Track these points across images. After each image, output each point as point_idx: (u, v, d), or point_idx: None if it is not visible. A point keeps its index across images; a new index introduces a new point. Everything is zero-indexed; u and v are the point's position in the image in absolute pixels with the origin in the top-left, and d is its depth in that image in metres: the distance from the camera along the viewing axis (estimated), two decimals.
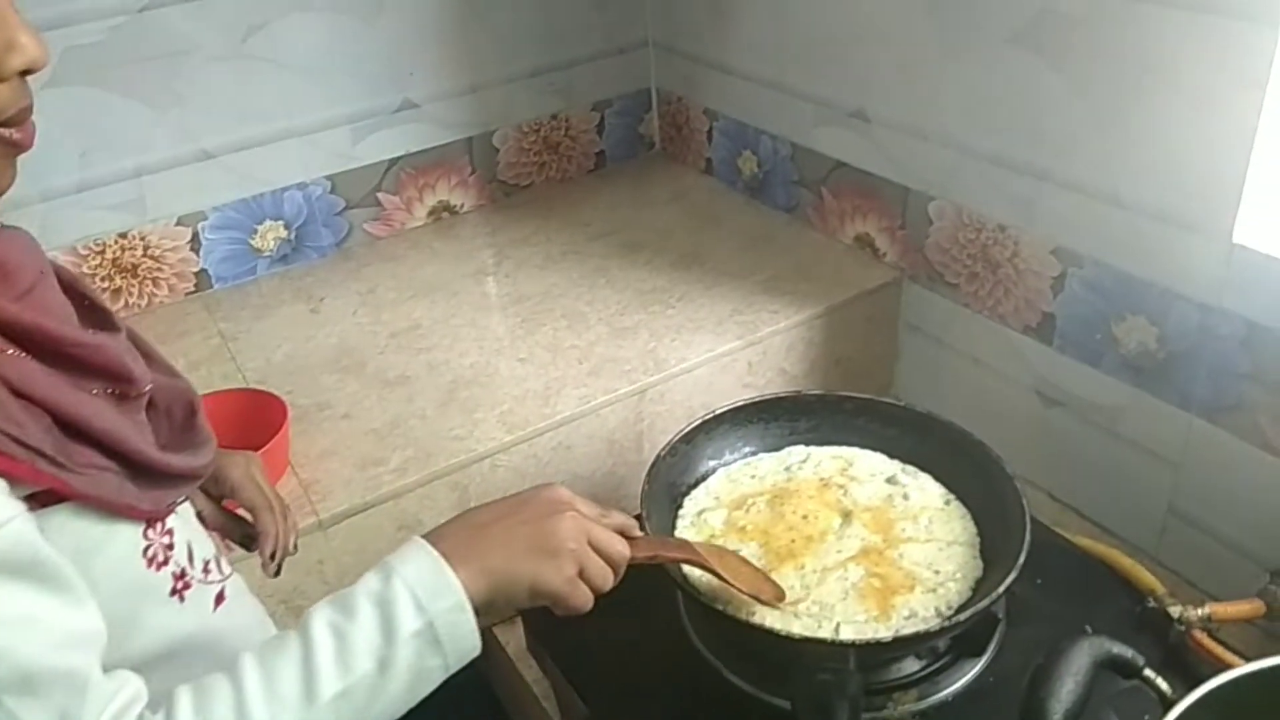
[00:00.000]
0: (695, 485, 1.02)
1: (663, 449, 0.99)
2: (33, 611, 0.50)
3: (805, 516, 0.97)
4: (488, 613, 0.63)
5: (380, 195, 1.56)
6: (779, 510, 0.98)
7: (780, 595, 0.86)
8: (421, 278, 1.46)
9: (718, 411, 1.04)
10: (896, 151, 1.28)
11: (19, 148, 0.55)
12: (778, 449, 1.06)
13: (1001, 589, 0.81)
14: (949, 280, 1.27)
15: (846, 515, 0.97)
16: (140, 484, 0.60)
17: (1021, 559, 0.83)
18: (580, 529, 0.67)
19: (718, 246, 1.47)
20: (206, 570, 0.69)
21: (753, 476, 1.03)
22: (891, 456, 1.04)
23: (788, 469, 1.03)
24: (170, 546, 0.64)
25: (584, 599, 0.67)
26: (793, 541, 0.94)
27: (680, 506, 0.99)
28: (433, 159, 1.58)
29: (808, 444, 1.06)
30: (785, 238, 1.49)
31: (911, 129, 1.24)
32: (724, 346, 1.24)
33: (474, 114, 1.59)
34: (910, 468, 1.02)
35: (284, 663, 0.57)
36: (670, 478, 0.99)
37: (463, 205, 1.64)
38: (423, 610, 0.60)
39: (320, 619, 0.59)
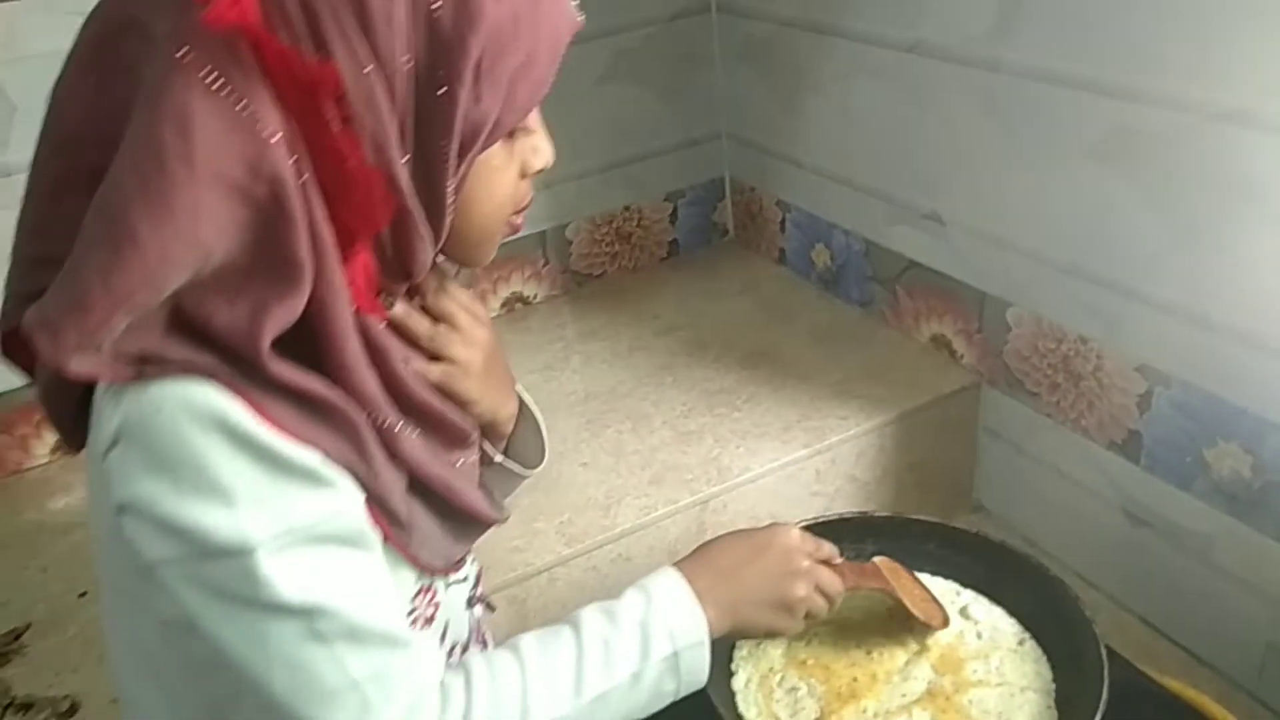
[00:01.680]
0: None
1: None
2: (364, 578, 0.58)
3: (870, 652, 0.93)
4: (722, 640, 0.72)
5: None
6: (842, 644, 0.94)
7: (945, 620, 0.91)
8: None
9: None
10: (972, 256, 1.25)
11: (515, 231, 0.67)
12: None
13: None
14: (1030, 389, 1.22)
15: (915, 653, 0.93)
16: (449, 538, 0.67)
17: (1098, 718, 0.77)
18: (811, 579, 0.77)
19: (788, 343, 1.45)
20: (450, 654, 0.73)
21: None
22: (964, 585, 0.99)
23: (853, 595, 1.00)
24: (430, 619, 0.69)
25: (801, 628, 0.79)
26: (855, 680, 0.90)
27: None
28: (507, 253, 1.60)
29: None
30: (859, 335, 1.46)
31: (986, 235, 1.21)
32: (790, 455, 1.22)
33: (547, 209, 1.61)
34: (983, 600, 0.97)
35: (562, 656, 0.65)
36: None
37: (536, 295, 1.66)
38: (674, 640, 0.67)
39: (592, 626, 0.67)
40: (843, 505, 1.27)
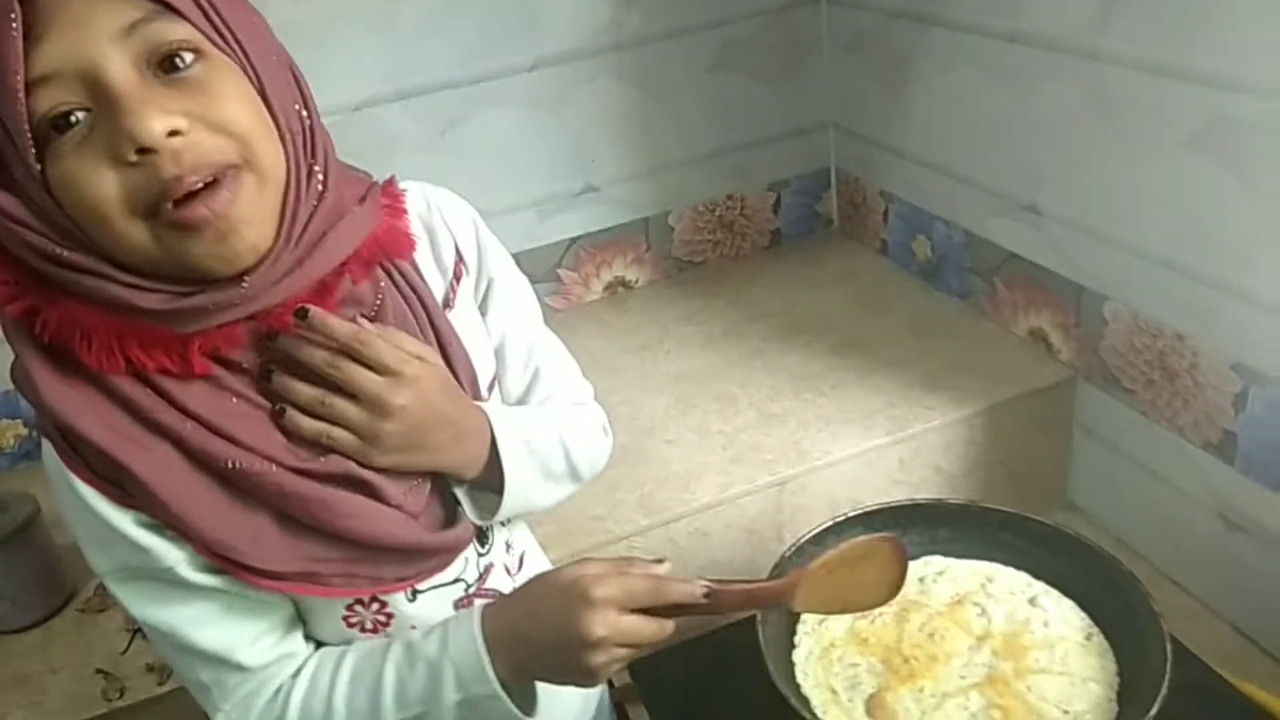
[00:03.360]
0: None
1: (788, 549, 0.98)
2: (192, 613, 0.65)
3: (933, 634, 0.94)
4: None
5: (560, 271, 1.66)
6: (905, 624, 0.96)
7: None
8: (589, 351, 1.51)
9: (850, 514, 1.02)
10: (1070, 248, 1.23)
11: (189, 224, 0.55)
12: (914, 558, 1.02)
13: None
14: (1126, 385, 1.20)
15: (978, 638, 0.93)
16: (378, 562, 0.66)
17: (1154, 710, 0.77)
18: (606, 645, 0.65)
19: (882, 333, 1.45)
20: None
21: None
22: (1036, 577, 0.99)
23: (921, 580, 1.01)
24: (385, 624, 0.71)
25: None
26: (915, 660, 0.92)
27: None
28: (611, 238, 1.66)
29: (946, 555, 1.03)
30: (956, 327, 1.45)
31: (1085, 227, 1.19)
32: (871, 443, 1.23)
33: (652, 195, 1.66)
34: (1054, 592, 0.97)
35: (362, 688, 0.68)
36: None
37: (637, 280, 1.71)
38: (463, 688, 0.66)
39: (392, 660, 0.68)
40: (927, 495, 1.26)
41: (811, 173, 1.75)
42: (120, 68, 0.53)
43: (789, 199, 1.75)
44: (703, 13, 1.57)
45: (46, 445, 0.62)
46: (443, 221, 0.73)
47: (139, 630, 1.10)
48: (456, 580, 0.73)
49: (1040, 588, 0.98)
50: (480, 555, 0.75)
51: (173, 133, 0.53)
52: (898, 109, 1.51)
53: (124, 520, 0.61)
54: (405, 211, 0.69)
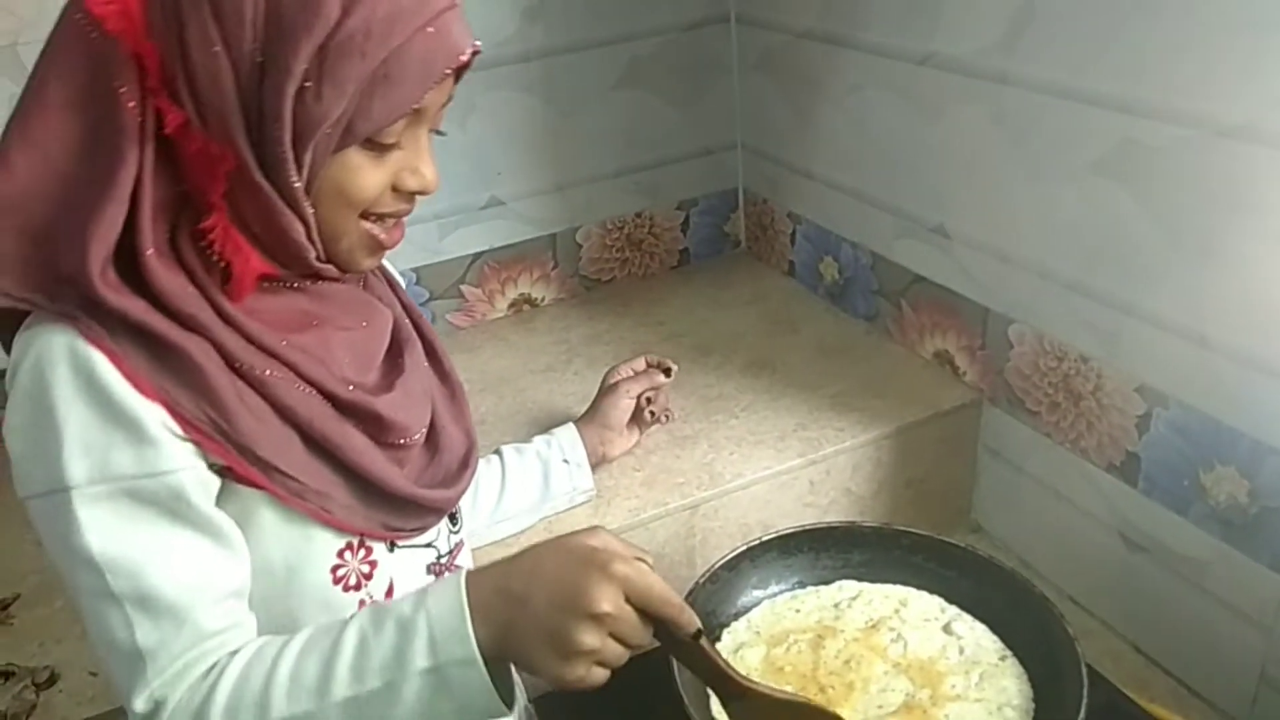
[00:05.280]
0: (737, 616, 0.98)
1: (702, 575, 0.95)
2: (170, 547, 0.61)
3: (849, 661, 0.92)
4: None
5: (463, 287, 1.60)
6: (820, 652, 0.93)
7: None
8: (494, 371, 1.47)
9: (765, 539, 1.00)
10: (976, 271, 1.24)
11: (380, 245, 0.69)
12: (828, 582, 1.01)
13: None
14: (1030, 408, 1.21)
15: (894, 665, 0.91)
16: (372, 505, 0.69)
17: None
18: (605, 626, 0.61)
19: (791, 354, 1.44)
20: None
21: (797, 611, 0.98)
22: (949, 601, 0.98)
23: (836, 605, 0.99)
24: (369, 576, 0.70)
25: (588, 686, 0.62)
26: (832, 689, 0.89)
27: (719, 639, 0.96)
28: (516, 254, 1.61)
29: (860, 579, 1.01)
30: (862, 348, 1.44)
31: (991, 249, 1.20)
32: (783, 464, 1.21)
33: (558, 211, 1.62)
34: (967, 616, 0.96)
35: (315, 654, 0.62)
36: (710, 606, 0.96)
37: (543, 298, 1.66)
38: (435, 653, 0.60)
39: (356, 623, 0.63)
40: (836, 517, 1.25)
41: (719, 193, 1.74)
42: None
43: (697, 219, 1.74)
44: (609, 28, 1.54)
45: (38, 330, 0.59)
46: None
47: None
48: (430, 545, 0.78)
49: (954, 612, 0.97)
50: (453, 533, 0.81)
51: None
52: (806, 130, 1.51)
53: (145, 411, 0.59)
54: None
